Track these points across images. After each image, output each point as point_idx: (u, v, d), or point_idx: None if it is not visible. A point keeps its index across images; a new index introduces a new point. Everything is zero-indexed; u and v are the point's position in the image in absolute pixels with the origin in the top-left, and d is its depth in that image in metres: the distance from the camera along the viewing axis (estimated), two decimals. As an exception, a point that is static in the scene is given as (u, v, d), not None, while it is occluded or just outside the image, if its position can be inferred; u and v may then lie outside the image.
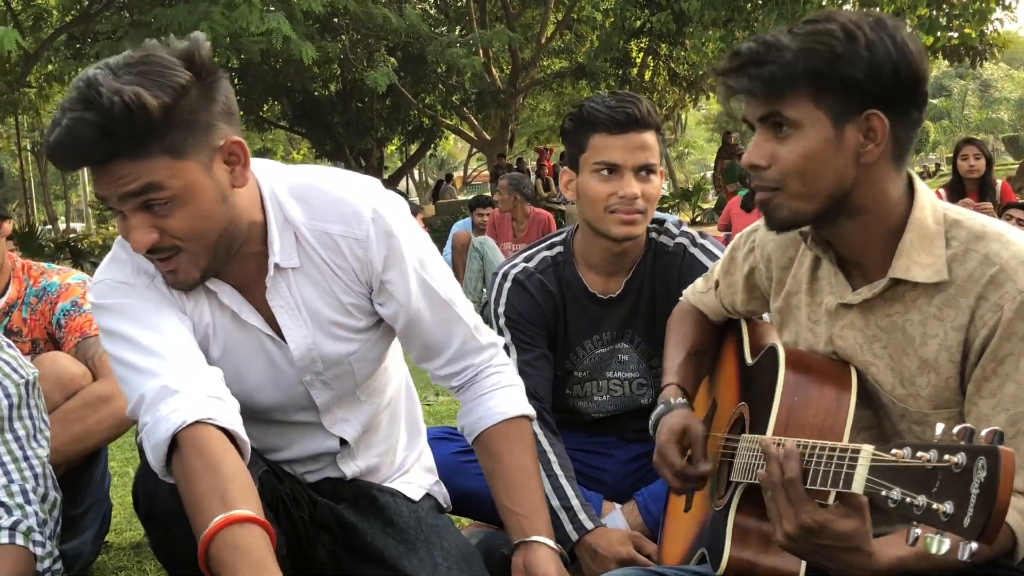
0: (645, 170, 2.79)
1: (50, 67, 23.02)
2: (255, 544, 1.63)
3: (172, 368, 1.95)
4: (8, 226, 3.11)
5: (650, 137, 2.79)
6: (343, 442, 2.38)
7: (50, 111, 30.06)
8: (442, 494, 2.61)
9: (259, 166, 2.17)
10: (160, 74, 1.86)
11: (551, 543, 2.23)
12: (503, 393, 2.35)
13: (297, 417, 2.32)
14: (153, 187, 1.90)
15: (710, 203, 23.77)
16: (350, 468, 2.41)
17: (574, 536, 2.70)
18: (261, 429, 2.30)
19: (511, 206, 10.16)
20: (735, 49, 1.79)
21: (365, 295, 2.22)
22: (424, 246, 2.25)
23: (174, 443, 1.82)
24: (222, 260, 2.07)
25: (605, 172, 2.78)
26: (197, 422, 1.80)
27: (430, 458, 2.63)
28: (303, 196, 2.15)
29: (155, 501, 2.04)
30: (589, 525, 2.73)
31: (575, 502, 2.74)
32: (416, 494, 2.49)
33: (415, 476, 2.54)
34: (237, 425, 1.86)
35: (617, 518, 2.91)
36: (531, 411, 2.40)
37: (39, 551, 1.92)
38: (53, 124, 1.85)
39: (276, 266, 2.13)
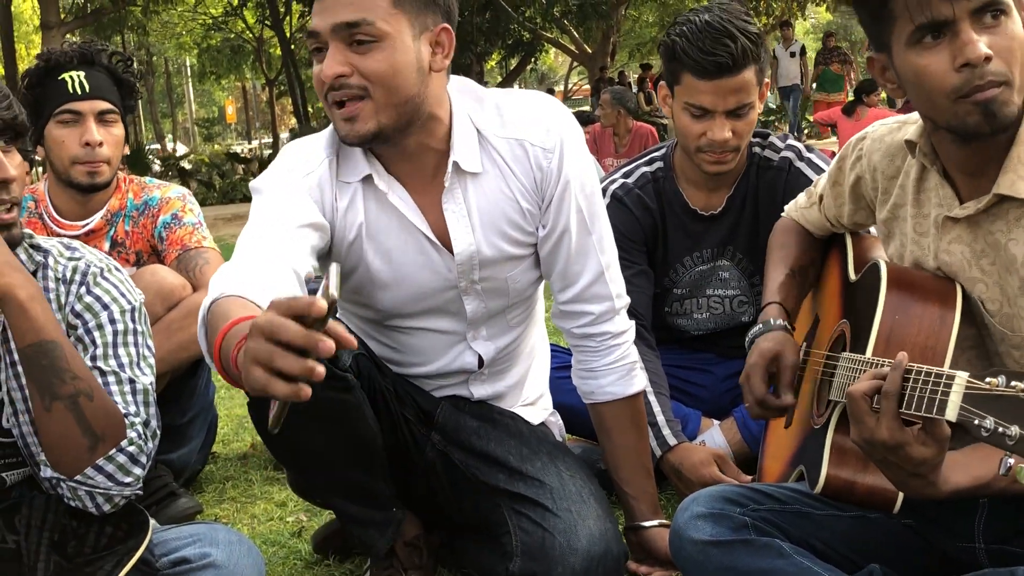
0: (739, 110, 2.69)
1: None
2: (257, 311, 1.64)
3: (253, 258, 1.97)
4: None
5: (747, 75, 2.65)
6: (480, 363, 2.40)
7: (155, 28, 30.55)
8: (558, 425, 2.64)
9: (458, 84, 2.25)
10: None
11: (662, 520, 2.38)
12: (618, 372, 2.39)
13: (442, 326, 2.35)
14: (366, 23, 2.00)
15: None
16: (479, 390, 2.44)
17: (658, 452, 2.70)
18: (401, 337, 2.37)
19: (614, 120, 10.02)
20: None
21: (538, 206, 2.26)
22: (591, 171, 2.31)
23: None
24: (401, 129, 2.11)
25: (696, 112, 2.71)
26: (234, 296, 1.79)
27: (550, 401, 2.64)
28: (497, 107, 2.24)
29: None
30: (672, 441, 2.73)
31: (660, 418, 2.74)
32: (535, 419, 2.52)
33: (537, 408, 2.57)
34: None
35: (716, 434, 2.90)
36: (644, 386, 2.44)
37: (131, 449, 1.96)
38: None
39: (456, 166, 2.18)
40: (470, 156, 2.19)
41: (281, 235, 2.05)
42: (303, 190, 2.16)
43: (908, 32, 1.68)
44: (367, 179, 2.20)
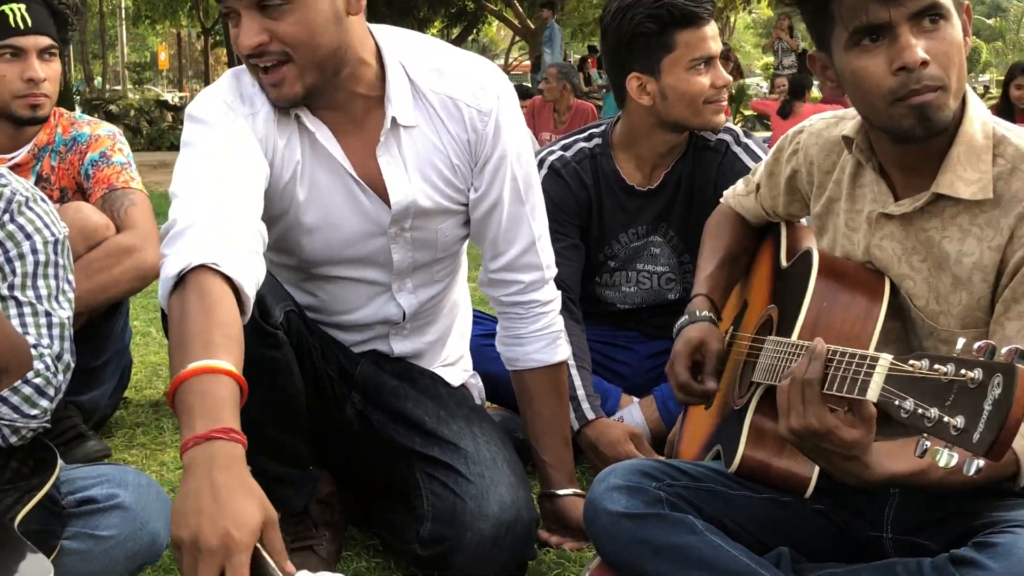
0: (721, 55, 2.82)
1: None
2: (219, 393, 1.59)
3: (217, 206, 1.93)
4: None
5: None
6: (403, 317, 2.38)
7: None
8: (478, 387, 2.63)
9: (390, 32, 2.22)
10: None
11: (577, 490, 2.40)
12: (544, 339, 2.39)
13: (367, 275, 2.32)
14: None
15: (751, 111, 23.43)
16: (400, 345, 2.43)
17: (575, 425, 2.71)
18: (325, 287, 2.34)
19: (557, 95, 10.03)
20: None
21: (469, 166, 2.25)
22: (527, 141, 2.30)
23: (181, 281, 1.79)
24: (328, 82, 2.09)
25: (702, 66, 2.76)
26: (205, 266, 1.77)
27: (470, 363, 2.64)
28: (436, 64, 2.21)
29: None
30: (591, 416, 2.75)
31: (580, 392, 2.76)
32: (455, 381, 2.52)
33: (456, 369, 2.57)
34: (245, 279, 1.81)
35: (634, 411, 2.92)
36: (567, 356, 2.45)
37: (38, 380, 1.91)
38: None
39: (394, 121, 2.16)
40: (406, 109, 2.17)
41: (240, 186, 2.00)
42: (249, 130, 2.11)
43: (847, 34, 1.71)
44: (299, 117, 2.17)
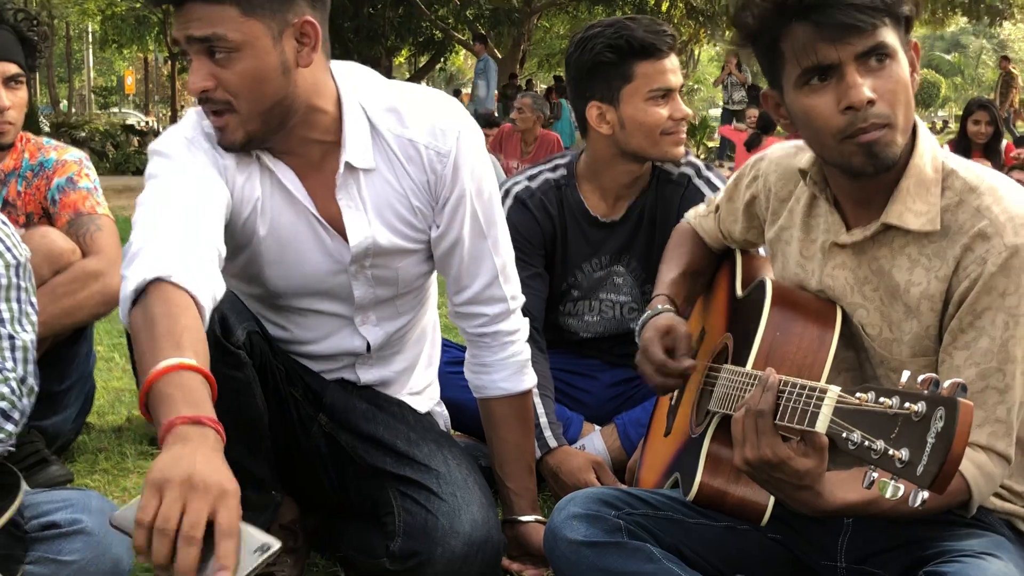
0: (681, 88, 2.87)
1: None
2: (198, 387, 1.62)
3: (173, 225, 1.95)
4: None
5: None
6: (368, 348, 2.40)
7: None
8: (443, 416, 2.66)
9: (354, 73, 2.24)
10: None
11: (539, 517, 2.43)
12: (510, 368, 2.42)
13: (330, 308, 2.34)
14: (217, 37, 1.98)
15: (715, 141, 23.62)
16: (366, 374, 2.45)
17: (537, 453, 2.73)
18: (291, 317, 2.36)
19: (531, 124, 10.09)
20: None
21: (430, 206, 2.27)
22: (488, 176, 2.32)
23: (141, 295, 1.81)
24: (273, 131, 2.12)
25: (660, 97, 2.81)
26: (161, 279, 1.79)
27: (437, 391, 2.66)
28: (394, 106, 2.22)
29: None
30: (553, 444, 2.78)
31: (543, 420, 2.79)
32: (422, 408, 2.54)
33: (424, 398, 2.59)
34: (201, 291, 1.83)
35: (596, 439, 2.95)
36: (533, 383, 2.47)
37: (2, 404, 1.92)
38: None
39: (348, 165, 2.18)
40: (362, 153, 2.19)
41: (199, 208, 2.03)
42: (210, 161, 2.14)
43: (797, 73, 1.76)
44: (260, 157, 2.19)
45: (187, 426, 1.53)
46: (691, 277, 2.38)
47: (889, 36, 1.73)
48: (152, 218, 1.98)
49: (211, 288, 1.88)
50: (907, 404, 1.37)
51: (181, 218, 1.98)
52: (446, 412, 2.67)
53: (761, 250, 2.32)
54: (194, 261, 1.88)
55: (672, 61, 2.82)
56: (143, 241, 1.89)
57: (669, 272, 2.38)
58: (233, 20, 1.98)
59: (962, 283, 1.77)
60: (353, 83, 2.22)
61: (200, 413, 1.56)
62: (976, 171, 1.83)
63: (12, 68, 3.00)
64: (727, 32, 28.39)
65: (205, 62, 2.01)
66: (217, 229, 2.04)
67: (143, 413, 1.64)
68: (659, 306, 2.27)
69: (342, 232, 2.23)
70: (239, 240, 2.21)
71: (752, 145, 12.13)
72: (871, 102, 1.70)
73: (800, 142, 2.04)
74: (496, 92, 20.08)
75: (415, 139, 2.22)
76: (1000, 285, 1.73)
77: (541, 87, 28.25)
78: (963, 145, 8.20)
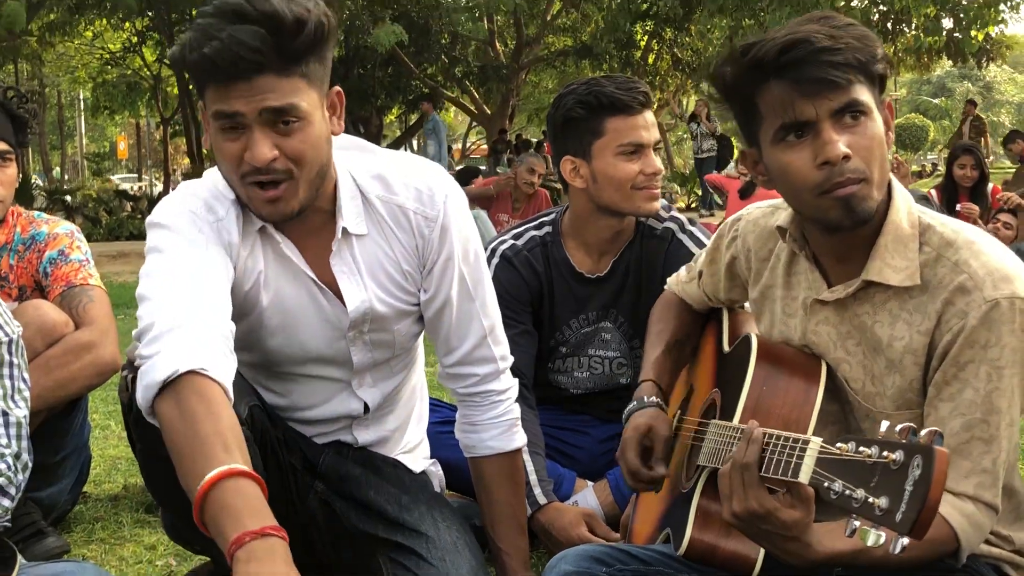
0: (655, 144, 2.89)
1: (52, 16, 22.90)
2: (257, 494, 1.68)
3: (193, 309, 1.98)
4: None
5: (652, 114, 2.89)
6: (365, 409, 2.43)
7: (50, 59, 29.88)
8: (438, 475, 2.68)
9: (337, 141, 2.25)
10: (310, 2, 2.00)
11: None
12: (500, 427, 2.45)
13: (329, 373, 2.38)
14: (292, 107, 2.00)
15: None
16: (363, 435, 2.48)
17: (528, 511, 2.74)
18: (289, 384, 2.39)
19: (534, 188, 10.06)
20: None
21: (419, 270, 2.31)
22: (474, 238, 2.36)
23: (165, 386, 1.84)
24: (312, 198, 2.14)
25: (632, 152, 2.84)
26: (195, 372, 1.82)
27: (428, 448, 2.69)
28: (379, 173, 2.27)
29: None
30: (542, 500, 2.79)
31: (533, 477, 2.80)
32: (417, 468, 2.57)
33: (416, 456, 2.62)
34: (228, 382, 1.88)
35: (589, 496, 2.95)
36: (523, 443, 2.50)
37: None
38: (202, 37, 1.94)
39: (344, 231, 2.21)
40: (356, 220, 2.23)
41: (210, 287, 2.06)
42: (215, 237, 2.15)
43: (773, 130, 1.80)
44: (263, 229, 2.22)
45: (256, 542, 1.60)
46: (676, 348, 2.40)
47: (864, 94, 1.77)
48: (164, 296, 2.00)
49: (232, 377, 1.92)
50: (885, 453, 1.39)
51: (196, 298, 2.00)
52: (440, 472, 2.69)
53: (747, 306, 2.35)
54: (220, 349, 1.92)
55: (645, 118, 2.87)
56: (163, 324, 1.92)
57: (653, 350, 2.40)
58: (303, 90, 2.02)
59: (944, 336, 1.79)
60: (343, 151, 2.27)
61: (265, 524, 1.63)
62: (952, 226, 1.87)
63: (1, 146, 3.03)
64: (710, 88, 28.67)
65: (269, 133, 2.02)
66: (228, 307, 2.07)
67: (196, 517, 1.69)
68: (644, 398, 2.27)
69: (340, 299, 2.27)
70: (240, 310, 2.24)
71: (746, 194, 12.10)
72: (847, 157, 1.74)
73: (776, 200, 2.07)
74: (449, 150, 20.13)
75: (404, 204, 2.26)
76: (982, 338, 1.76)
77: (534, 141, 28.40)
78: (950, 189, 8.25)
